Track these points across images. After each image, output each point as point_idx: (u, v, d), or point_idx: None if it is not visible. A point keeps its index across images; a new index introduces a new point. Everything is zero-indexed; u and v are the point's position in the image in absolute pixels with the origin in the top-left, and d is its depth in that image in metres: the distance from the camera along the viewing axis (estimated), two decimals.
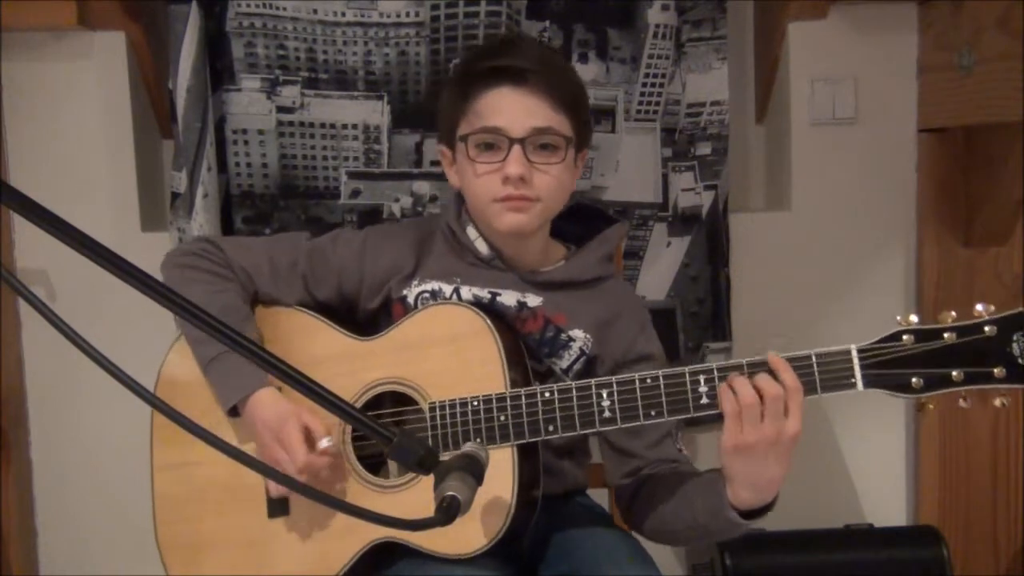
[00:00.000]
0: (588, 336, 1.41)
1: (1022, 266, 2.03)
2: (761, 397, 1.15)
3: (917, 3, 1.98)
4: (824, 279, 2.05)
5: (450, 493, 0.97)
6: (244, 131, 1.84)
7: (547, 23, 1.85)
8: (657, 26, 1.85)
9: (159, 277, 1.43)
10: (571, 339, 1.41)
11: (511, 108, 1.32)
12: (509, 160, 1.32)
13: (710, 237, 1.95)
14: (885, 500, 2.09)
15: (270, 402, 1.30)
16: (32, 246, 1.93)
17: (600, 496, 1.64)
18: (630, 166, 1.90)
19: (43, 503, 2.00)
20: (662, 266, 1.94)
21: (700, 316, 1.97)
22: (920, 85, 2.00)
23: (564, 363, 1.41)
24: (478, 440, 1.26)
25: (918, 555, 1.88)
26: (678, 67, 1.90)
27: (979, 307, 1.14)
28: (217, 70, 1.82)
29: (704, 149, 1.94)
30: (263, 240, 1.50)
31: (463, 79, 1.38)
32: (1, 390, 1.93)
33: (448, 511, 0.96)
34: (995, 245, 2.03)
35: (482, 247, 1.41)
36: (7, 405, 1.94)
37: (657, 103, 1.90)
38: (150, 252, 1.81)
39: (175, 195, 1.81)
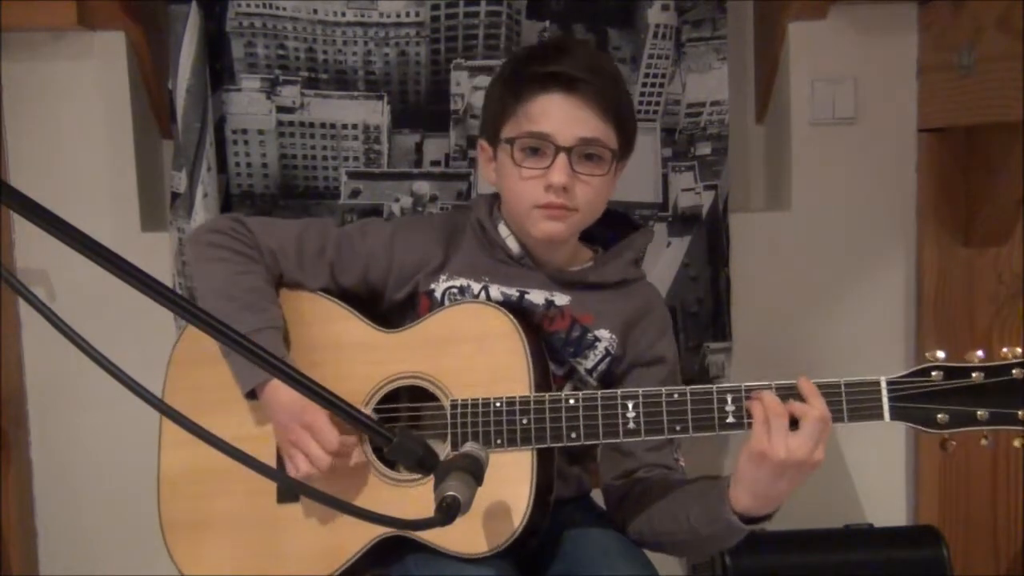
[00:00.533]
0: (613, 336, 1.41)
1: (1022, 266, 2.03)
2: (802, 416, 1.15)
3: (917, 3, 1.98)
4: (824, 279, 2.05)
5: (450, 493, 0.97)
6: (244, 131, 1.84)
7: (547, 23, 1.85)
8: (657, 26, 1.85)
9: (184, 254, 1.41)
10: (597, 339, 1.41)
11: (560, 115, 1.31)
12: (554, 168, 1.31)
13: (710, 237, 1.95)
14: (885, 500, 2.09)
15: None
16: (32, 246, 1.93)
17: (600, 496, 1.64)
18: (630, 166, 1.88)
19: (43, 503, 2.00)
20: (662, 266, 1.94)
21: (700, 316, 1.97)
22: (920, 85, 2.00)
23: (589, 363, 1.41)
24: (499, 442, 1.26)
25: (918, 555, 1.88)
26: (678, 67, 1.90)
27: (1005, 350, 1.16)
28: (217, 70, 1.81)
29: (704, 149, 1.94)
30: (292, 223, 1.48)
31: (513, 79, 1.36)
32: (1, 390, 1.93)
33: (448, 511, 0.96)
34: (995, 245, 2.03)
35: (513, 245, 1.41)
36: (7, 405, 1.94)
37: (657, 103, 1.90)
38: (150, 252, 1.84)
39: (175, 195, 1.81)
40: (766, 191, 2.16)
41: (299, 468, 1.28)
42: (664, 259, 1.94)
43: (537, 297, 1.40)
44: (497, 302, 1.38)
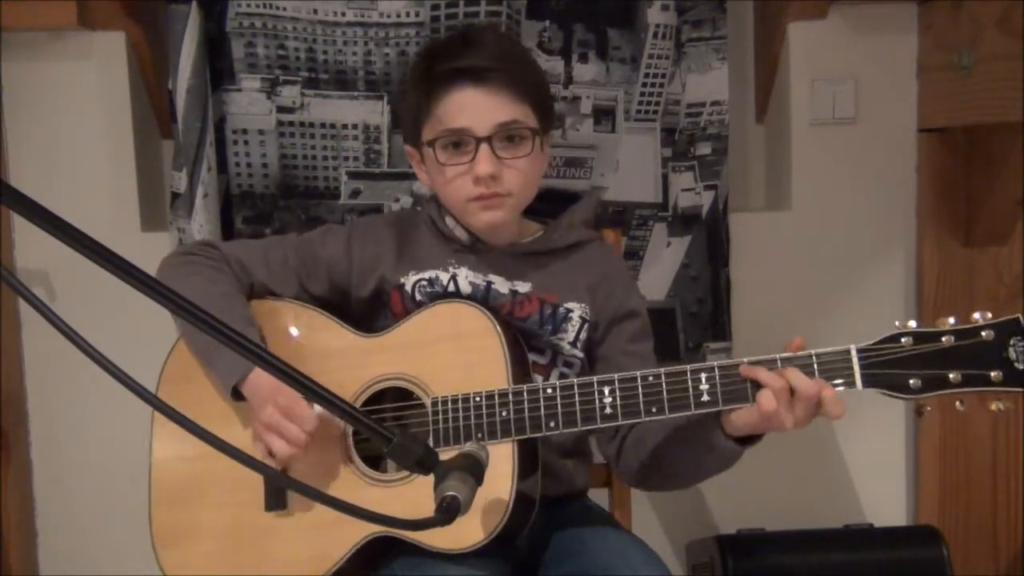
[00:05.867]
0: (583, 304, 1.45)
1: (1022, 266, 2.02)
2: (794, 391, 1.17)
3: (917, 3, 1.98)
4: (824, 279, 2.05)
5: (450, 493, 0.97)
6: (244, 131, 1.84)
7: (547, 23, 1.85)
8: (657, 26, 1.85)
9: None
10: (569, 311, 1.44)
11: (474, 107, 1.34)
12: (478, 160, 1.34)
13: (710, 237, 1.95)
14: (885, 500, 2.09)
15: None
16: (32, 246, 1.93)
17: (600, 497, 1.64)
18: (630, 166, 1.90)
19: (43, 503, 2.00)
20: (662, 266, 1.94)
21: (700, 316, 1.97)
22: (920, 85, 2.00)
23: (570, 336, 1.44)
24: (479, 436, 1.27)
25: (918, 555, 1.88)
26: (678, 67, 1.90)
27: (976, 315, 1.16)
28: (217, 70, 1.81)
29: (704, 149, 1.94)
30: (256, 241, 1.53)
31: (423, 81, 1.39)
32: (1, 390, 1.93)
33: (448, 511, 0.96)
34: (995, 245, 2.03)
35: (461, 234, 1.45)
36: (7, 405, 1.94)
37: (657, 103, 1.90)
38: (150, 252, 1.81)
39: (175, 195, 1.81)
40: (766, 191, 2.16)
41: (276, 452, 1.29)
42: (664, 259, 1.94)
43: (502, 287, 1.43)
44: (466, 294, 1.41)
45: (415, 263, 1.45)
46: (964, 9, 1.82)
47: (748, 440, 1.25)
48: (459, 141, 1.36)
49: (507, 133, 1.35)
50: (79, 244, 0.77)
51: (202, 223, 1.78)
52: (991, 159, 1.94)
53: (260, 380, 1.31)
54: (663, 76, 1.88)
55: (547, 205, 1.52)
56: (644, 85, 1.88)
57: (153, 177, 2.02)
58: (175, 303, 0.84)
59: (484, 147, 1.34)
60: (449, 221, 1.46)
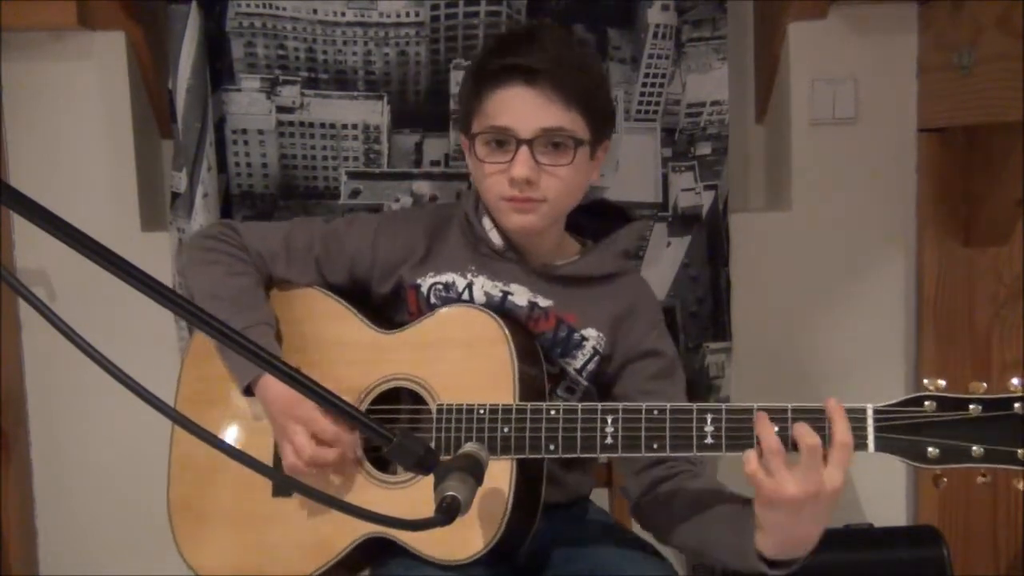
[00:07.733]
0: (601, 335, 1.41)
1: (1022, 266, 2.03)
2: (796, 446, 1.09)
3: (917, 3, 1.98)
4: (824, 279, 2.05)
5: (450, 493, 0.97)
6: (244, 131, 1.84)
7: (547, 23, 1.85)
8: (657, 26, 1.85)
9: (178, 261, 1.46)
10: (584, 338, 1.41)
11: (520, 108, 1.30)
12: (516, 162, 1.30)
13: (710, 237, 1.94)
14: (885, 500, 2.09)
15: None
16: (32, 246, 1.93)
17: (601, 496, 1.64)
18: (630, 166, 1.90)
19: (43, 503, 2.00)
20: (662, 266, 1.94)
21: (700, 316, 1.96)
22: (920, 85, 2.00)
23: (578, 363, 1.41)
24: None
25: (918, 555, 1.88)
26: (678, 67, 1.90)
27: (1015, 381, 1.06)
28: (217, 70, 1.81)
29: (704, 149, 1.93)
30: (280, 225, 1.51)
31: (477, 75, 1.36)
32: (1, 390, 1.93)
33: (448, 511, 0.96)
34: (995, 245, 2.03)
35: (496, 238, 1.41)
36: (7, 405, 1.94)
37: (657, 103, 1.90)
38: (150, 252, 1.84)
39: (175, 195, 1.81)
40: (766, 191, 2.16)
41: (288, 461, 1.30)
42: (664, 259, 1.94)
43: (520, 299, 1.40)
44: (480, 303, 1.38)
45: (436, 264, 1.42)
46: (964, 9, 1.82)
47: (779, 564, 1.16)
48: (502, 140, 1.32)
49: (551, 139, 1.31)
50: (79, 244, 0.77)
51: (202, 223, 1.78)
52: (991, 159, 1.94)
53: (270, 384, 1.31)
54: (663, 76, 1.88)
55: (594, 219, 1.48)
56: (644, 85, 1.88)
57: (153, 177, 2.02)
58: (178, 305, 0.84)
59: (524, 149, 1.30)
60: (486, 223, 1.42)
